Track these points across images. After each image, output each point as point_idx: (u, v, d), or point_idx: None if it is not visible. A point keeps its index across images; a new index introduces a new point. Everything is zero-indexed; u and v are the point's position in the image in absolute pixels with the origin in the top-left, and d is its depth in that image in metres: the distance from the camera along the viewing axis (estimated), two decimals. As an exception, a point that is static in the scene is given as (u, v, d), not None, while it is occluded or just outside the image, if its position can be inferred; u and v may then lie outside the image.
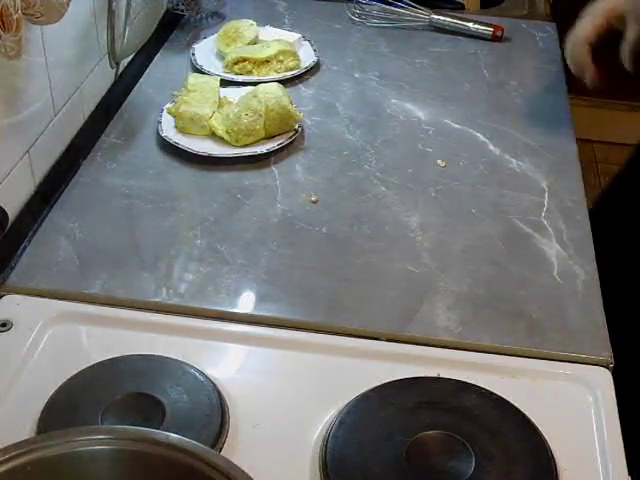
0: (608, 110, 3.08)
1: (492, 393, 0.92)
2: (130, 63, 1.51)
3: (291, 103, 1.35)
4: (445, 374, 0.95)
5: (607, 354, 0.98)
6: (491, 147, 1.36)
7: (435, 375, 0.95)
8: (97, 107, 1.38)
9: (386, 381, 0.93)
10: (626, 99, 3.07)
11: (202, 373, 0.93)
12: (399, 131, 1.40)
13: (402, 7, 1.72)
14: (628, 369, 0.99)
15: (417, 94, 1.50)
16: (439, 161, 1.32)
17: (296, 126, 1.35)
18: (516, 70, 1.41)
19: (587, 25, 1.19)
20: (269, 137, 1.33)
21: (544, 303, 1.06)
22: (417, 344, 1.00)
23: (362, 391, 0.92)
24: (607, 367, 0.97)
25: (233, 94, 1.41)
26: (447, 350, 0.99)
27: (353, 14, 1.73)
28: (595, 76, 1.19)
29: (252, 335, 1.01)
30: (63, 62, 1.24)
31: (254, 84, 1.40)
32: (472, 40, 1.68)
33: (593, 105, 2.99)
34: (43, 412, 0.88)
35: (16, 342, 0.97)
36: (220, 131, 1.31)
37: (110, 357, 0.95)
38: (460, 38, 1.69)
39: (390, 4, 1.72)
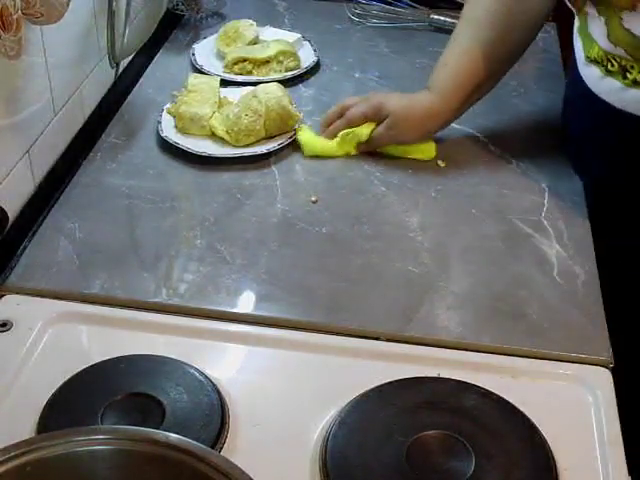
0: (608, 110, 3.08)
1: (492, 393, 0.92)
2: (130, 63, 1.51)
3: (291, 103, 1.35)
4: (445, 374, 0.95)
5: (607, 354, 0.98)
6: (491, 147, 1.36)
7: (435, 375, 0.95)
8: (97, 107, 1.38)
9: (386, 381, 0.93)
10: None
11: (202, 373, 0.93)
12: (399, 131, 1.39)
13: (402, 7, 1.72)
14: (628, 369, 0.99)
15: (417, 94, 1.50)
16: (439, 161, 1.32)
17: (296, 126, 1.35)
18: (516, 70, 1.41)
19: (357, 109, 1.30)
20: (269, 137, 1.33)
21: (544, 303, 1.06)
22: (417, 344, 1.00)
23: (362, 391, 0.92)
24: (607, 367, 0.97)
25: (233, 94, 1.41)
26: (447, 350, 0.99)
27: (353, 14, 1.73)
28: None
29: (252, 335, 1.01)
30: (63, 62, 1.24)
31: (254, 84, 1.40)
32: (472, 40, 1.68)
33: (593, 105, 2.98)
34: (43, 412, 0.88)
35: (16, 342, 0.97)
36: (220, 131, 1.31)
37: (110, 357, 0.95)
38: (460, 38, 1.69)
39: (390, 4, 1.72)
